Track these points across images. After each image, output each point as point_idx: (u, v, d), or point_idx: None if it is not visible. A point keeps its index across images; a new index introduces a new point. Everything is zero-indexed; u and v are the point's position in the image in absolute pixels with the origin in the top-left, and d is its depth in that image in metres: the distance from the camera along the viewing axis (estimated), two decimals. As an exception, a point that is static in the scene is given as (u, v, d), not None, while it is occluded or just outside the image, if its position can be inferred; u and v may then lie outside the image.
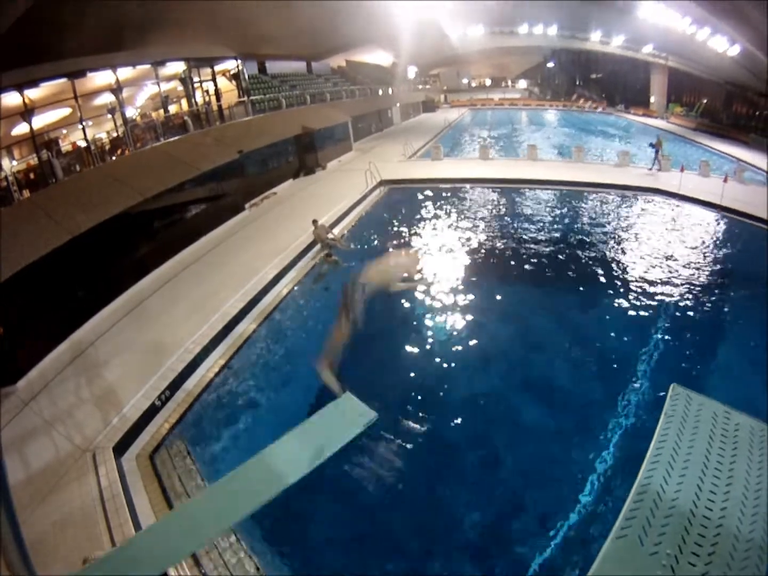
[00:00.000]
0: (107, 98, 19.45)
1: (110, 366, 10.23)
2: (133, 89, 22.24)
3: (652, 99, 54.50)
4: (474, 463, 8.13)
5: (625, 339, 11.02)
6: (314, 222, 15.97)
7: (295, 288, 13.99)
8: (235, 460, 4.45)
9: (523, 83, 77.84)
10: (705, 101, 45.86)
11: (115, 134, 19.32)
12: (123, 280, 13.74)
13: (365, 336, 9.46)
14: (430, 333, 11.55)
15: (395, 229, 18.42)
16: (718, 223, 17.91)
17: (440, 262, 15.19)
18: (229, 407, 9.42)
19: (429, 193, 22.80)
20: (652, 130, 41.03)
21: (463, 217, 19.61)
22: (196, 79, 24.47)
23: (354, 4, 27.79)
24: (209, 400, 9.57)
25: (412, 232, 17.91)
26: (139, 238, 15.00)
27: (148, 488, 7.34)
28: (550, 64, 69.47)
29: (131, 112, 22.96)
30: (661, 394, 4.70)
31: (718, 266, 14.40)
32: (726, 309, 12.21)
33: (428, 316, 12.20)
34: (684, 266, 14.25)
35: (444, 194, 22.58)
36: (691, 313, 11.90)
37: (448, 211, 20.34)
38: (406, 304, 12.67)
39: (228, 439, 8.62)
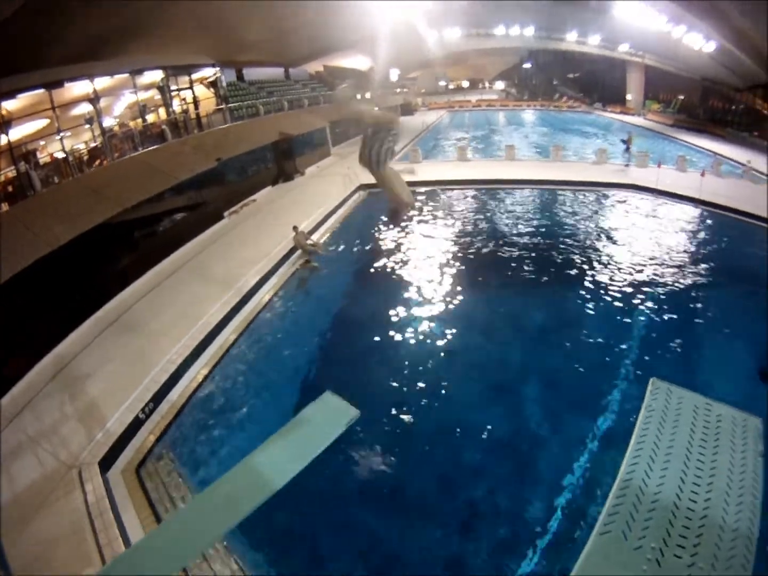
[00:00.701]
0: (85, 108, 19.25)
1: (94, 379, 10.09)
2: (110, 99, 21.99)
3: (629, 96, 55.14)
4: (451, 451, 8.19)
5: (601, 333, 11.15)
6: (294, 228, 15.97)
7: (277, 295, 13.97)
8: (221, 470, 4.45)
9: (500, 84, 78.43)
10: (682, 98, 46.46)
11: (93, 144, 19.13)
12: (105, 292, 13.60)
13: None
14: (409, 332, 11.62)
15: (375, 232, 18.40)
16: (697, 217, 18.16)
17: (420, 263, 15.31)
18: (214, 417, 9.32)
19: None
20: (630, 127, 41.47)
21: (441, 218, 19.77)
22: (173, 87, 24.26)
23: (332, 4, 27.64)
24: (193, 411, 9.48)
25: (392, 235, 17.89)
26: (120, 248, 14.85)
27: (135, 503, 7.26)
28: (527, 65, 70.07)
29: (109, 122, 22.72)
30: (642, 387, 4.71)
31: (697, 258, 14.62)
32: (708, 301, 12.40)
33: (407, 316, 12.29)
34: (662, 259, 14.47)
35: (422, 197, 22.54)
36: (672, 306, 12.05)
37: (427, 212, 20.39)
38: (391, 304, 12.74)
39: (214, 449, 8.53)
